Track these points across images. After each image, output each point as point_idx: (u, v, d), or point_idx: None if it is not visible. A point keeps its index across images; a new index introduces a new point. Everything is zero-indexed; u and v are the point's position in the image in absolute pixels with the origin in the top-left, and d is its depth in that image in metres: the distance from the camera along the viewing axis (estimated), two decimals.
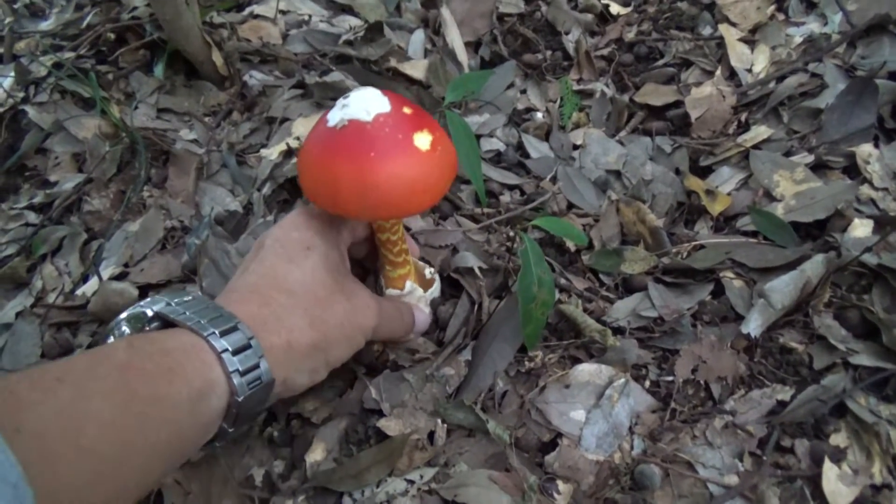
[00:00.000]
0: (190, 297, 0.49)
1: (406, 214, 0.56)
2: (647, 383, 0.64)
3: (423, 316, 0.68)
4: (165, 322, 0.48)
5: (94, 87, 0.99)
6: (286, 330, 0.50)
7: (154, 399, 0.40)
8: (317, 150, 0.54)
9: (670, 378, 0.64)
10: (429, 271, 0.71)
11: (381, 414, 0.65)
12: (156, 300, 0.49)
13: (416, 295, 0.68)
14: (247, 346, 0.46)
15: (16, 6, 1.41)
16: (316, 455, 0.63)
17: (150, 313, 0.48)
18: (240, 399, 0.45)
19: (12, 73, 1.06)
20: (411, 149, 0.52)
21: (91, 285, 0.81)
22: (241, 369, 0.45)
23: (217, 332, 0.45)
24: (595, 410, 0.62)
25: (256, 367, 0.46)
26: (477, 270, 0.73)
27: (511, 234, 0.79)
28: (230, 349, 0.45)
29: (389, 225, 0.61)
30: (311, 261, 0.55)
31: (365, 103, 0.52)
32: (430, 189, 0.54)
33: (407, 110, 0.54)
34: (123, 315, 0.48)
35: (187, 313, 0.47)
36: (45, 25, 1.25)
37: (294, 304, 0.52)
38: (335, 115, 0.53)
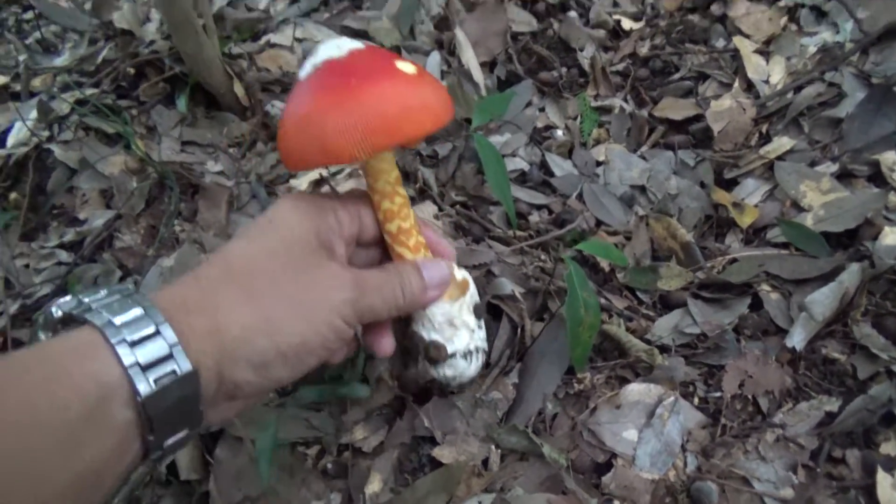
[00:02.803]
0: (108, 290, 0.41)
1: (405, 138, 0.47)
2: (696, 400, 0.65)
3: (435, 269, 0.54)
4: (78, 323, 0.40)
5: (128, 123, 1.00)
6: (212, 308, 0.42)
7: (35, 423, 0.33)
8: (293, 104, 0.49)
9: (718, 394, 0.65)
10: (459, 274, 0.58)
11: (432, 441, 0.66)
12: (70, 298, 0.41)
13: (456, 307, 0.57)
14: (155, 334, 0.38)
15: (27, 42, 1.42)
16: (374, 486, 0.64)
17: (58, 314, 0.40)
18: (141, 398, 0.36)
19: (34, 112, 1.07)
20: (395, 71, 0.48)
21: None
22: (141, 362, 0.37)
23: (114, 320, 0.37)
24: (647, 429, 0.63)
25: (168, 357, 0.38)
26: (517, 294, 0.74)
27: (545, 256, 0.81)
28: (128, 339, 0.37)
29: (397, 206, 0.53)
30: (266, 234, 0.47)
31: (335, 43, 0.49)
32: (426, 108, 0.48)
33: (383, 51, 0.50)
34: (40, 319, 0.42)
35: (94, 307, 0.39)
36: (59, 61, 1.27)
37: (228, 277, 0.43)
38: (306, 67, 0.49)
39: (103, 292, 0.40)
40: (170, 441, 0.40)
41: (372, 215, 0.54)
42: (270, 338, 0.43)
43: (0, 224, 0.95)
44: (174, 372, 0.38)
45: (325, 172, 0.90)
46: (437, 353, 0.56)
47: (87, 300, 0.40)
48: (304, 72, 0.49)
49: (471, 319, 0.58)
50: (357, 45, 0.49)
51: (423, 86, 0.48)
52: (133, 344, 0.37)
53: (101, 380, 0.36)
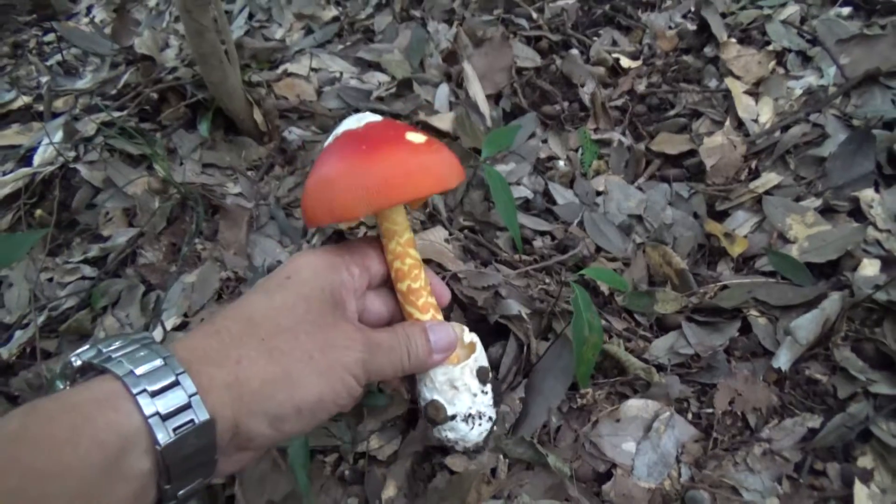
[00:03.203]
0: (124, 340, 0.42)
1: (405, 198, 0.50)
2: (690, 415, 0.70)
3: (442, 332, 0.55)
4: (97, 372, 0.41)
5: (160, 146, 1.05)
6: (233, 361, 0.43)
7: (57, 471, 0.34)
8: (314, 169, 0.54)
9: (710, 410, 0.70)
10: (467, 337, 0.60)
11: (444, 451, 0.70)
12: (89, 348, 0.42)
13: (458, 369, 0.57)
14: (174, 384, 0.39)
15: (49, 63, 1.48)
16: (389, 492, 0.68)
17: (77, 363, 0.42)
18: (160, 447, 0.38)
19: (60, 133, 1.12)
20: (403, 141, 0.52)
21: (156, 336, 0.86)
22: (162, 412, 0.38)
23: (135, 370, 0.39)
24: (644, 442, 0.68)
25: (186, 407, 0.39)
26: (524, 315, 0.79)
27: (549, 279, 0.86)
28: (149, 389, 0.38)
29: (407, 267, 0.56)
30: (285, 289, 0.48)
31: (356, 118, 0.55)
32: (427, 172, 0.51)
33: (398, 124, 0.56)
34: (58, 369, 0.43)
35: (114, 357, 0.40)
36: (81, 84, 1.32)
37: (248, 332, 0.45)
38: (329, 138, 0.56)
39: (119, 342, 0.42)
40: (183, 490, 0.41)
41: (379, 264, 0.58)
42: (289, 393, 0.44)
43: (27, 246, 0.98)
44: (192, 421, 0.39)
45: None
46: (435, 413, 0.57)
47: (105, 350, 0.41)
48: (327, 142, 0.55)
49: (473, 383, 0.58)
50: (375, 118, 0.55)
51: (428, 154, 0.52)
52: (154, 394, 0.38)
53: (122, 430, 0.37)
